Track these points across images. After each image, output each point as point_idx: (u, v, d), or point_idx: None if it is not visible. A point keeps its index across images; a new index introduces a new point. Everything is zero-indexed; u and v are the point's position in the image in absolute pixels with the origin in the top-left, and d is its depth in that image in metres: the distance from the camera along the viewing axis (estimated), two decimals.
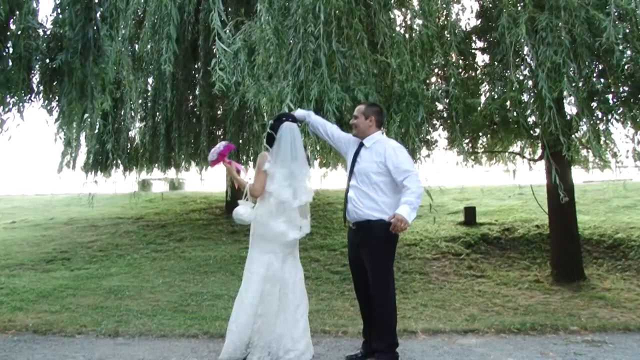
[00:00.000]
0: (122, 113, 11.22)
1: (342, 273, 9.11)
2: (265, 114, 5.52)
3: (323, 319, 5.96)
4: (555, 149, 6.00)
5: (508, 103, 6.01)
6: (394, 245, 4.23)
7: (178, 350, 4.56)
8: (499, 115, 5.99)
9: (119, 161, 12.90)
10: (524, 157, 10.18)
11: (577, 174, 10.25)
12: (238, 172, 4.52)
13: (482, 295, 7.69)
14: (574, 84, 5.18)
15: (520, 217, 12.75)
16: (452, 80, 5.90)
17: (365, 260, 4.20)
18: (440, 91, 5.90)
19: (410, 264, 9.81)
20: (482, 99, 6.84)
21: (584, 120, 5.53)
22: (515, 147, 9.87)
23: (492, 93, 6.33)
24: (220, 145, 4.47)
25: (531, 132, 6.50)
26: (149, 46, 10.53)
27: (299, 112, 4.62)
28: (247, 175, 4.52)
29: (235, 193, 15.81)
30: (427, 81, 6.59)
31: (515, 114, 5.99)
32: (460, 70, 6.05)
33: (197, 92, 11.34)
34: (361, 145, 4.36)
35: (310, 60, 5.25)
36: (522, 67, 5.93)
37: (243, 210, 4.17)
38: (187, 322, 5.85)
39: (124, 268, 9.63)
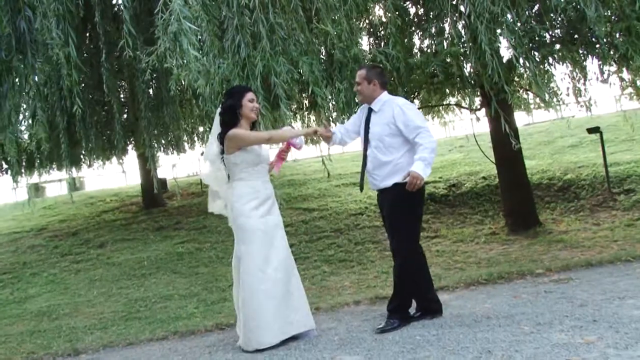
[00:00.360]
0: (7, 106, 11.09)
1: (293, 253, 9.66)
2: (206, 96, 5.89)
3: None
4: (498, 97, 6.84)
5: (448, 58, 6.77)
6: (413, 203, 4.56)
7: (158, 353, 4.98)
8: (442, 71, 6.72)
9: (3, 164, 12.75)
10: (462, 107, 11.16)
11: (517, 118, 11.33)
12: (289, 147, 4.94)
13: (441, 254, 8.58)
14: (513, 33, 5.97)
15: (465, 170, 13.84)
16: (391, 39, 6.55)
17: (387, 223, 4.70)
18: (380, 54, 6.52)
19: (360, 234, 10.57)
20: (419, 54, 7.59)
21: (526, 64, 6.36)
22: (451, 99, 10.78)
23: (432, 48, 7.05)
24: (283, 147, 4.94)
25: (473, 82, 7.32)
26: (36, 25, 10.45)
27: (333, 143, 5.09)
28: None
29: (150, 188, 16.12)
30: (366, 43, 7.25)
31: (457, 67, 6.76)
32: (397, 27, 6.68)
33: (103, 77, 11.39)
34: (370, 110, 4.71)
35: (248, 34, 5.71)
36: (458, 19, 6.64)
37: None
38: (147, 327, 6.17)
39: (45, 287, 9.72)
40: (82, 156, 14.62)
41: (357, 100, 4.82)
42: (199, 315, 6.48)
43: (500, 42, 6.54)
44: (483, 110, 9.69)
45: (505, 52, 7.66)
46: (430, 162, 4.38)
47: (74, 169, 14.77)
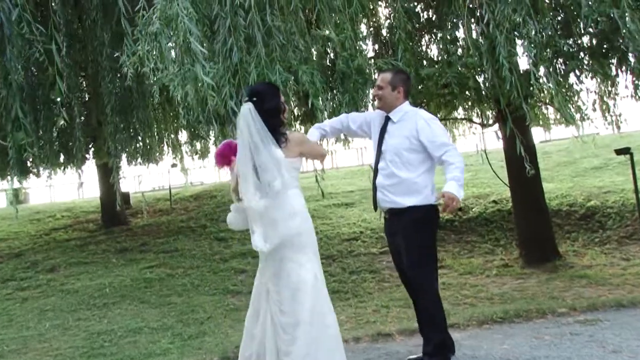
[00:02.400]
0: None
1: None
2: (192, 103, 6.08)
3: None
4: (515, 114, 7.10)
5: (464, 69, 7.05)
6: (432, 229, 4.73)
7: None
8: (457, 83, 6.98)
9: None
10: (473, 122, 11.41)
11: (534, 134, 11.56)
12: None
13: (447, 288, 8.75)
14: (535, 45, 6.24)
15: (473, 192, 14.02)
16: (400, 46, 6.80)
17: (401, 248, 4.70)
18: (386, 64, 6.75)
19: (355, 262, 10.77)
20: (430, 63, 7.87)
21: (548, 78, 6.63)
22: (460, 112, 11.02)
23: (445, 57, 7.32)
24: (220, 145, 4.83)
25: (488, 96, 7.59)
26: None
27: (315, 137, 4.99)
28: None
29: (111, 203, 16.10)
30: (371, 48, 7.50)
31: (474, 80, 7.03)
32: (407, 33, 6.93)
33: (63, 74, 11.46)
34: (387, 119, 4.79)
35: (242, 37, 5.92)
36: (474, 27, 6.91)
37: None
38: None
39: None
40: (30, 164, 14.66)
41: (376, 106, 4.93)
42: (175, 351, 6.59)
43: (518, 54, 6.83)
44: (496, 125, 9.96)
45: (524, 63, 7.99)
46: (462, 182, 4.47)
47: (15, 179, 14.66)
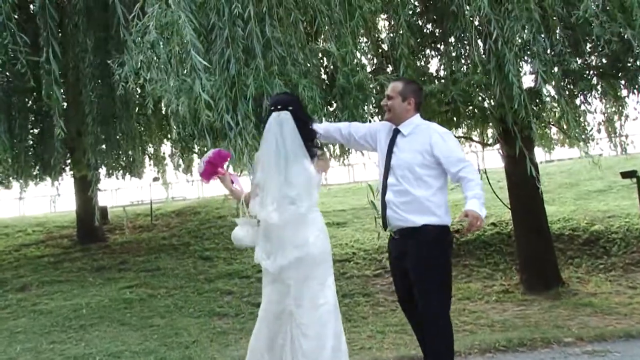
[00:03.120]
0: None
1: None
2: (185, 116, 6.11)
3: None
4: (522, 134, 7.20)
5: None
6: (448, 252, 4.64)
7: None
8: (462, 101, 7.07)
9: None
10: (473, 140, 11.54)
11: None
12: (232, 182, 4.77)
13: None
14: (545, 64, 6.35)
15: None
16: (402, 62, 6.88)
17: (410, 272, 4.55)
18: (388, 81, 6.81)
19: (349, 284, 10.78)
20: (433, 79, 7.98)
21: (556, 98, 6.74)
22: (459, 130, 11.13)
23: (452, 75, 7.41)
24: (209, 152, 4.68)
25: (494, 115, 7.69)
26: None
27: None
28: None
29: (88, 218, 16.03)
30: (372, 62, 7.58)
31: (481, 98, 7.13)
32: (409, 48, 7.02)
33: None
34: (397, 132, 4.69)
35: (240, 48, 5.98)
36: (482, 43, 7.01)
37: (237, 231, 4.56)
38: None
39: None
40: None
41: (385, 117, 4.83)
42: None
43: (524, 71, 6.97)
44: (497, 144, 10.07)
45: (528, 81, 8.12)
46: (484, 200, 4.35)
47: None
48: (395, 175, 4.60)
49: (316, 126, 4.78)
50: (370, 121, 6.95)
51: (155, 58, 5.88)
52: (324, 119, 6.58)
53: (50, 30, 7.93)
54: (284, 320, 4.25)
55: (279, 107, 4.38)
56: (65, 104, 14.10)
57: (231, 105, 5.87)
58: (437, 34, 8.63)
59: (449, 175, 4.53)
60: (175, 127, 6.64)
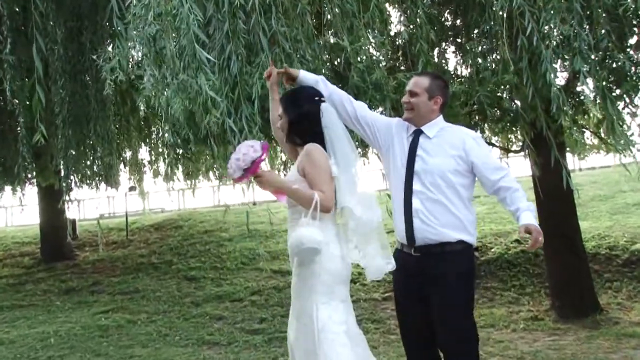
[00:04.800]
0: None
1: (264, 332, 9.90)
2: (180, 118, 6.14)
3: None
4: (557, 140, 7.23)
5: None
6: (474, 280, 4.69)
7: None
8: (489, 103, 7.10)
9: None
10: (495, 146, 11.58)
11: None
12: None
13: None
14: (587, 62, 6.37)
15: (491, 229, 14.07)
16: (421, 59, 6.90)
17: (435, 304, 4.41)
18: (407, 79, 6.82)
19: (355, 309, 10.66)
20: (455, 78, 8.01)
21: (601, 100, 6.75)
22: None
23: (478, 74, 7.45)
24: (251, 146, 4.23)
25: (525, 119, 7.72)
26: None
27: (306, 76, 4.77)
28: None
29: (54, 233, 16.02)
30: (387, 58, 7.60)
31: (514, 102, 7.16)
32: (429, 43, 7.04)
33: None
34: (419, 133, 4.59)
35: (242, 44, 6.00)
36: (513, 38, 7.03)
37: (318, 235, 4.14)
38: None
39: None
40: None
41: (404, 117, 4.68)
42: None
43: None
44: (521, 151, 10.11)
45: (561, 80, 8.14)
46: (535, 212, 4.37)
47: None
48: (422, 181, 4.48)
49: (323, 83, 4.74)
50: None
51: (153, 52, 5.90)
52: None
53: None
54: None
55: (322, 98, 4.53)
56: (27, 102, 14.26)
57: (233, 108, 5.88)
58: (459, 27, 8.69)
59: (486, 184, 4.49)
60: (168, 130, 6.62)
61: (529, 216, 4.22)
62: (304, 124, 4.43)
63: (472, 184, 4.55)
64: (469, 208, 4.51)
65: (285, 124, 4.45)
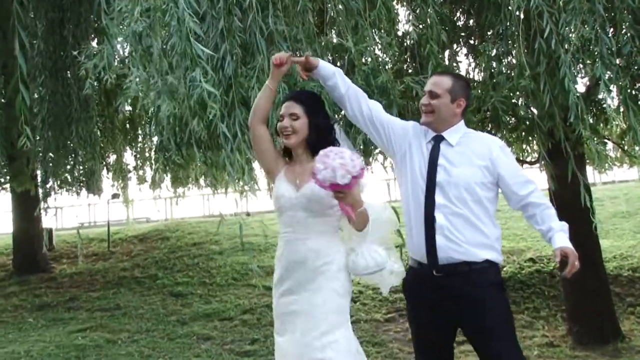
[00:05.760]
0: None
1: (256, 354, 9.95)
2: (164, 122, 6.20)
3: None
4: (576, 151, 7.27)
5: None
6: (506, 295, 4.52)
7: None
8: (504, 109, 7.13)
9: None
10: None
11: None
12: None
13: None
14: (608, 67, 6.42)
15: (503, 247, 14.05)
16: (431, 62, 6.95)
17: (470, 331, 4.36)
18: (415, 83, 6.85)
19: (355, 330, 10.67)
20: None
21: (625, 108, 6.79)
22: None
23: (492, 78, 7.49)
24: (349, 152, 4.20)
25: (541, 128, 7.78)
26: None
27: (325, 66, 4.67)
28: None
29: (28, 243, 16.01)
30: (396, 61, 7.65)
31: (530, 110, 7.20)
32: (440, 45, 7.09)
33: None
34: (439, 140, 4.49)
35: (237, 43, 6.06)
36: (530, 41, 7.08)
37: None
38: None
39: None
40: None
41: (423, 121, 4.57)
42: None
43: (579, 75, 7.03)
44: (536, 162, 10.15)
45: (581, 86, 8.19)
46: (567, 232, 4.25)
47: None
48: (446, 194, 4.35)
49: (341, 77, 4.68)
50: None
51: (139, 50, 5.96)
52: (336, 127, 6.66)
53: None
54: None
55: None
56: (3, 100, 14.30)
57: (227, 111, 5.92)
58: (472, 28, 8.74)
59: (512, 199, 4.40)
60: (155, 132, 6.66)
61: (564, 238, 4.18)
62: (330, 133, 4.55)
63: (496, 198, 4.45)
64: (495, 223, 4.40)
65: (306, 127, 4.47)
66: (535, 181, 4.42)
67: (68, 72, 11.12)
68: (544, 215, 4.29)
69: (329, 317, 4.28)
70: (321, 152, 4.09)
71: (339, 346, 4.24)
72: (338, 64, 7.04)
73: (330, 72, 4.63)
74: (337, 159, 4.02)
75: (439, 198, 4.35)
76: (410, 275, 4.55)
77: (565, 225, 4.24)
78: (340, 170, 3.97)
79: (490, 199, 4.36)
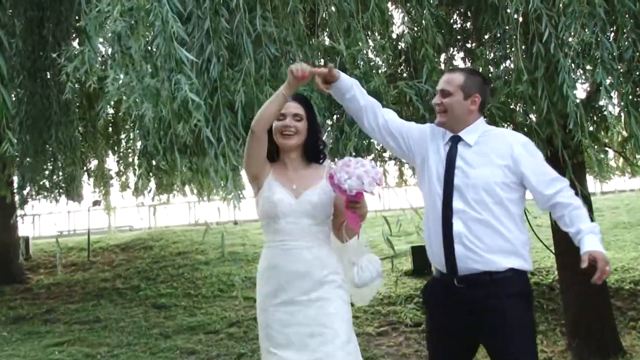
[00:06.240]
0: None
1: None
2: (148, 126, 6.21)
3: None
4: (574, 159, 7.30)
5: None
6: (532, 309, 4.37)
7: None
8: (500, 115, 7.16)
9: None
10: None
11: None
12: None
13: None
14: (609, 72, 6.45)
15: None
16: (426, 66, 6.98)
17: (487, 344, 4.22)
18: (409, 88, 6.88)
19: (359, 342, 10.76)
20: None
21: (627, 114, 6.82)
22: None
23: (489, 84, 7.52)
24: (373, 167, 4.24)
25: (540, 135, 7.81)
26: None
27: (344, 79, 4.55)
28: None
29: (6, 250, 15.94)
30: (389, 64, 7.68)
31: (528, 116, 7.24)
32: (435, 48, 7.12)
33: None
34: (456, 140, 4.39)
35: (224, 45, 6.07)
36: (528, 45, 7.11)
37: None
38: None
39: None
40: None
41: (437, 121, 4.47)
42: None
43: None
44: None
45: (580, 92, 8.23)
46: (600, 235, 4.06)
47: None
48: (465, 198, 4.23)
49: (359, 89, 4.59)
50: None
51: (119, 52, 5.97)
52: (325, 134, 6.68)
53: None
54: None
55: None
56: None
57: (212, 116, 5.93)
58: (469, 31, 8.77)
59: (539, 199, 4.26)
60: (141, 138, 6.67)
61: (594, 241, 3.99)
62: (320, 140, 4.62)
63: (522, 199, 4.33)
64: (521, 228, 4.27)
65: (306, 130, 4.48)
66: (565, 179, 4.28)
67: (48, 72, 11.09)
68: (572, 216, 4.09)
69: (344, 326, 4.28)
70: (339, 162, 4.13)
71: (358, 356, 4.30)
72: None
73: (349, 84, 4.52)
74: (360, 167, 4.06)
75: (457, 203, 4.24)
76: (433, 283, 4.54)
77: (596, 227, 4.06)
78: (367, 178, 4.01)
79: (514, 200, 4.23)
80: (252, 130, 4.32)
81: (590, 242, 3.94)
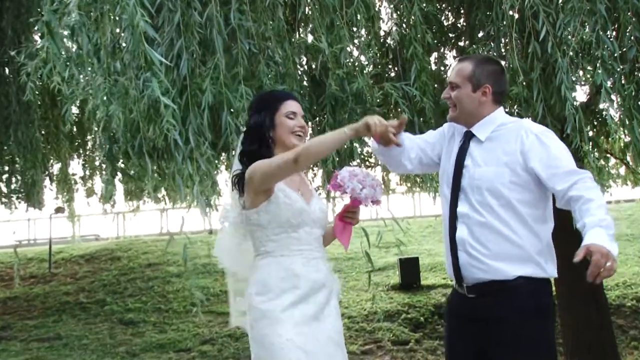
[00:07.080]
0: None
1: None
2: (116, 128, 6.18)
3: None
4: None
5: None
6: (550, 322, 4.11)
7: None
8: None
9: None
10: None
11: None
12: None
13: None
14: (610, 73, 6.45)
15: None
16: (415, 65, 6.96)
17: (496, 358, 4.01)
18: (394, 89, 6.85)
19: None
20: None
21: (627, 119, 6.83)
22: None
23: None
24: (374, 176, 4.28)
25: None
26: None
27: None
28: None
29: None
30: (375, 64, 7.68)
31: (518, 116, 7.25)
32: (425, 47, 7.12)
33: None
34: (469, 136, 4.24)
35: (195, 41, 6.04)
36: (524, 44, 7.12)
37: None
38: None
39: None
40: None
41: (449, 117, 4.32)
42: None
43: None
44: None
45: (580, 94, 8.26)
46: (613, 230, 3.64)
47: None
48: (469, 201, 4.10)
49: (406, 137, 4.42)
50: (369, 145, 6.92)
51: (77, 49, 5.94)
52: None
53: None
54: None
55: None
56: None
57: (180, 116, 5.88)
58: (461, 28, 8.79)
59: (556, 197, 3.94)
60: (105, 141, 6.65)
61: (597, 234, 3.53)
62: None
63: (539, 199, 4.05)
64: (536, 231, 4.02)
65: None
66: (584, 171, 3.89)
67: (6, 68, 11.04)
68: (582, 211, 3.68)
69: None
70: (345, 172, 4.11)
71: None
72: (313, 65, 7.06)
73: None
74: (367, 177, 4.10)
75: (462, 207, 4.12)
76: (452, 293, 4.42)
77: (604, 220, 3.58)
78: (378, 187, 4.09)
79: (526, 201, 4.00)
80: (297, 160, 3.98)
81: (591, 236, 3.51)
